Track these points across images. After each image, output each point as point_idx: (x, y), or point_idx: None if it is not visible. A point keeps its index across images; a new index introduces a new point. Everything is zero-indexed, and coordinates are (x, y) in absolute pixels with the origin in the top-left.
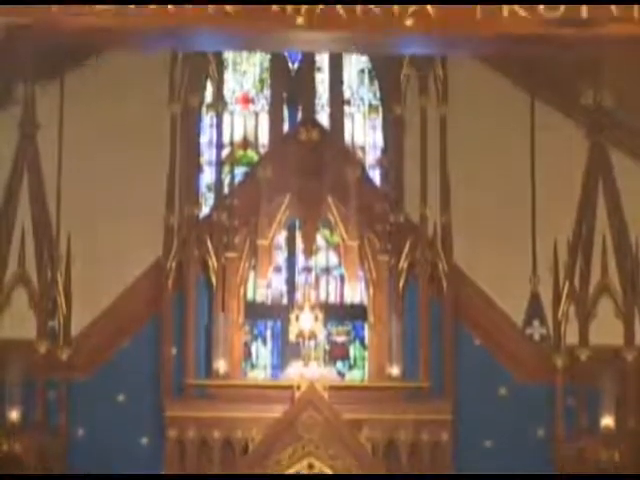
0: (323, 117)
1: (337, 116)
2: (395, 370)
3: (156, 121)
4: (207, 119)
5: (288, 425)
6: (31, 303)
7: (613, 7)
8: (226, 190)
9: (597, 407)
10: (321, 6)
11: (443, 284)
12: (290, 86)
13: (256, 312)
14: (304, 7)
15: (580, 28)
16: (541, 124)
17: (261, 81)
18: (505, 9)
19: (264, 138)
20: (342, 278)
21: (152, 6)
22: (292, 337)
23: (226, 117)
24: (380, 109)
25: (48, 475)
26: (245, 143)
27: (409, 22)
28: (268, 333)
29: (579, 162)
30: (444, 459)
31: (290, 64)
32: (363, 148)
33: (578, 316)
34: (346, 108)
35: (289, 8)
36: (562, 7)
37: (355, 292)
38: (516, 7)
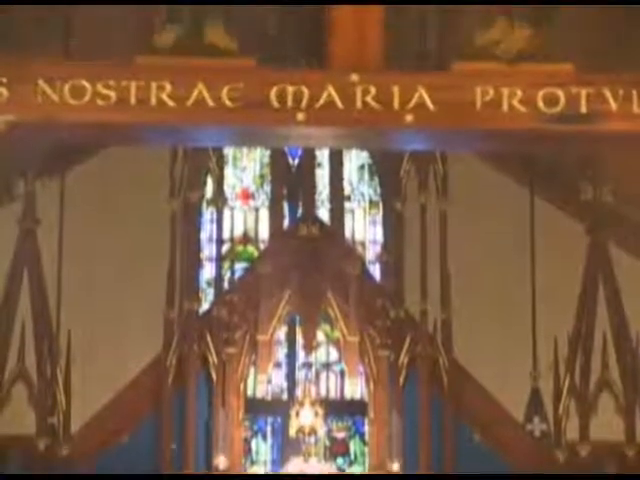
0: (323, 213)
1: (337, 212)
2: (395, 466)
3: (156, 217)
4: (207, 214)
5: None
6: (31, 399)
7: (612, 102)
8: (226, 285)
9: None
10: (321, 102)
11: (443, 379)
12: (290, 182)
13: (256, 408)
14: (304, 102)
15: (579, 124)
16: (541, 219)
17: (261, 177)
18: (505, 104)
19: (264, 234)
20: (342, 373)
21: (152, 102)
22: (292, 433)
23: (226, 212)
24: (380, 205)
25: (49, 475)
26: (245, 239)
27: (409, 117)
28: (268, 429)
29: (579, 258)
30: None
31: (290, 160)
32: (363, 244)
33: (579, 412)
34: (346, 204)
35: (289, 104)
36: (561, 102)
37: (355, 387)
38: (515, 102)
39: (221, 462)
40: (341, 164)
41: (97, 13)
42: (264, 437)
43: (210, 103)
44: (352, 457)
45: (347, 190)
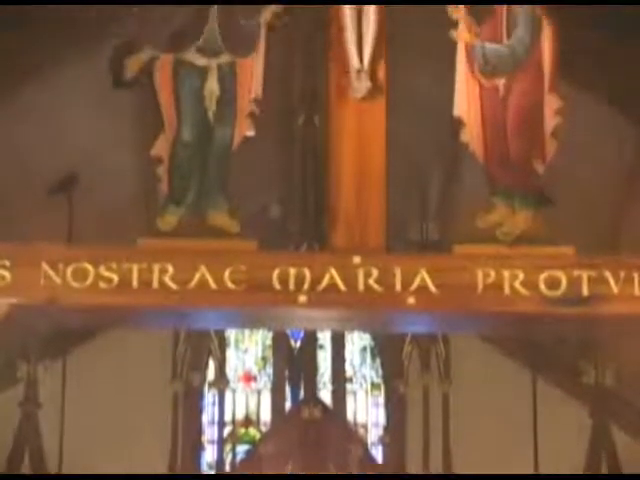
0: (325, 394)
1: (339, 394)
2: None
3: (158, 398)
4: (209, 397)
5: None
6: None
7: (614, 285)
8: (228, 469)
9: None
10: (323, 284)
11: None
12: (292, 364)
13: None
14: (306, 285)
15: (581, 307)
16: (543, 401)
17: (263, 359)
18: (506, 287)
19: (266, 416)
20: None
21: (155, 284)
22: None
23: (228, 395)
24: (382, 387)
25: (48, 475)
26: (247, 421)
27: (411, 300)
28: None
29: (582, 440)
30: None
31: (292, 342)
32: (365, 426)
33: None
34: (348, 386)
35: (291, 286)
36: (563, 285)
37: None
38: (517, 285)
39: None
40: (343, 346)
41: (101, 198)
42: None
43: (212, 286)
44: None
45: (349, 372)
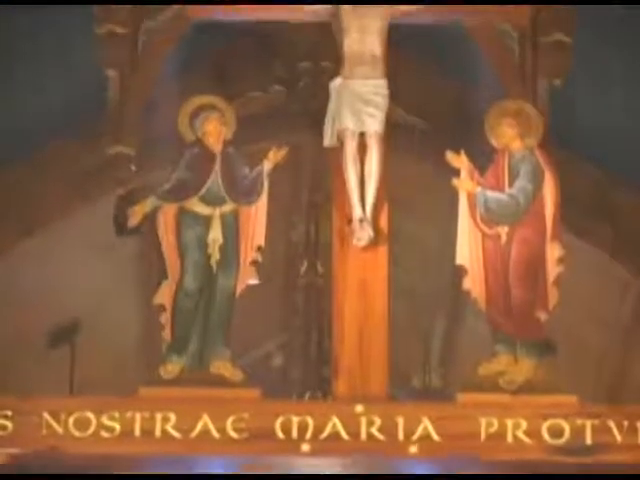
0: None
1: None
2: None
3: None
4: None
5: None
6: None
7: (617, 434)
8: None
9: None
10: (326, 433)
11: None
12: None
13: None
14: (309, 433)
15: (584, 456)
16: None
17: None
18: (509, 435)
19: None
20: None
21: (157, 433)
22: None
23: None
24: None
25: (49, 475)
26: None
27: (413, 449)
28: None
29: None
30: None
31: None
32: None
33: None
34: None
35: (294, 435)
36: (566, 434)
37: None
38: (520, 433)
39: None
40: None
41: (103, 346)
42: None
43: (215, 434)
44: None
45: None
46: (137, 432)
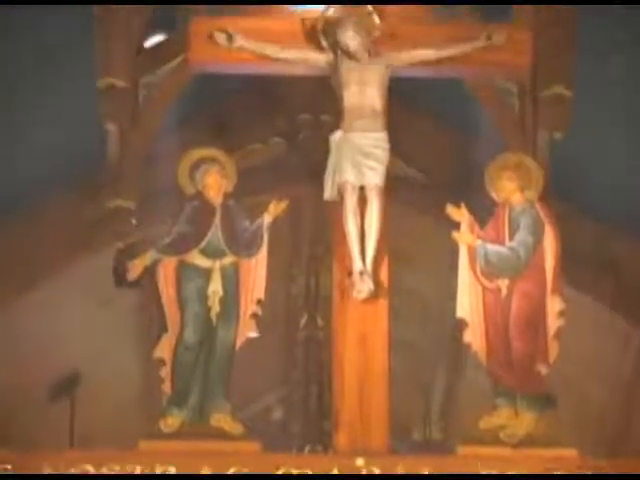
0: None
1: None
2: None
3: None
4: None
5: None
6: None
7: None
8: None
9: None
10: None
11: None
12: None
13: None
14: None
15: None
16: None
17: None
18: None
19: None
20: None
21: None
22: None
23: None
24: None
25: (49, 475)
26: None
27: None
28: None
29: None
30: None
31: None
32: None
33: None
34: None
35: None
36: None
37: None
38: None
39: None
40: None
41: (103, 399)
42: None
43: None
44: None
45: None
46: None
